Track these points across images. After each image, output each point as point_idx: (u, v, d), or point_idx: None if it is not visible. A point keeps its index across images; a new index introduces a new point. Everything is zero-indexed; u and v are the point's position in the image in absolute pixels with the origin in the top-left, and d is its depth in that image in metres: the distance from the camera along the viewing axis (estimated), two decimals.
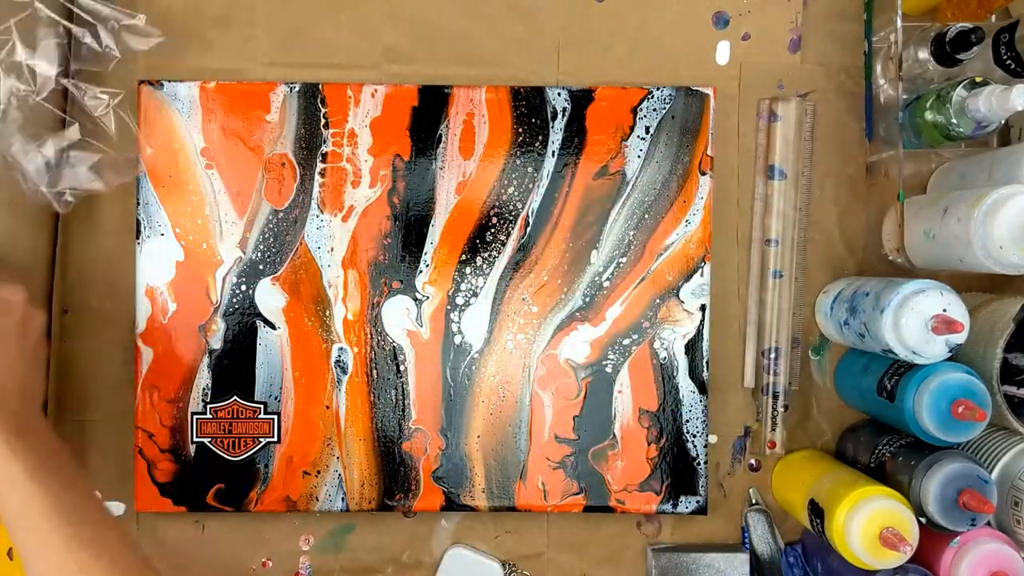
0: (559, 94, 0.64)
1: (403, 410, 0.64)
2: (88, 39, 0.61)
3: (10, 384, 0.51)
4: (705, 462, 0.65)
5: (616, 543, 0.67)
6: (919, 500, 0.56)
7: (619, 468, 0.64)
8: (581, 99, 0.64)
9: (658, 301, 0.64)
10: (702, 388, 0.65)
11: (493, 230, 0.64)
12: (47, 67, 0.59)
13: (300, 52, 0.66)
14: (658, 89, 0.64)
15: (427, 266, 0.64)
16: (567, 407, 0.64)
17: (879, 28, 0.65)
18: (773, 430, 0.66)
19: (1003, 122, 0.58)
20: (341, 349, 0.64)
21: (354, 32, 0.66)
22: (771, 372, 0.66)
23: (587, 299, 0.64)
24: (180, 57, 0.65)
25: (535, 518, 0.67)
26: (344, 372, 0.64)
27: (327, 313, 0.64)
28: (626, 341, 0.64)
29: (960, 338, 0.55)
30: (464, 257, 0.64)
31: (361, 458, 0.64)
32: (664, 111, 0.64)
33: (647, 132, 0.64)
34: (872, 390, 0.60)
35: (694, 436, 0.65)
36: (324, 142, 0.63)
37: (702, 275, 0.64)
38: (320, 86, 0.63)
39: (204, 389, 0.63)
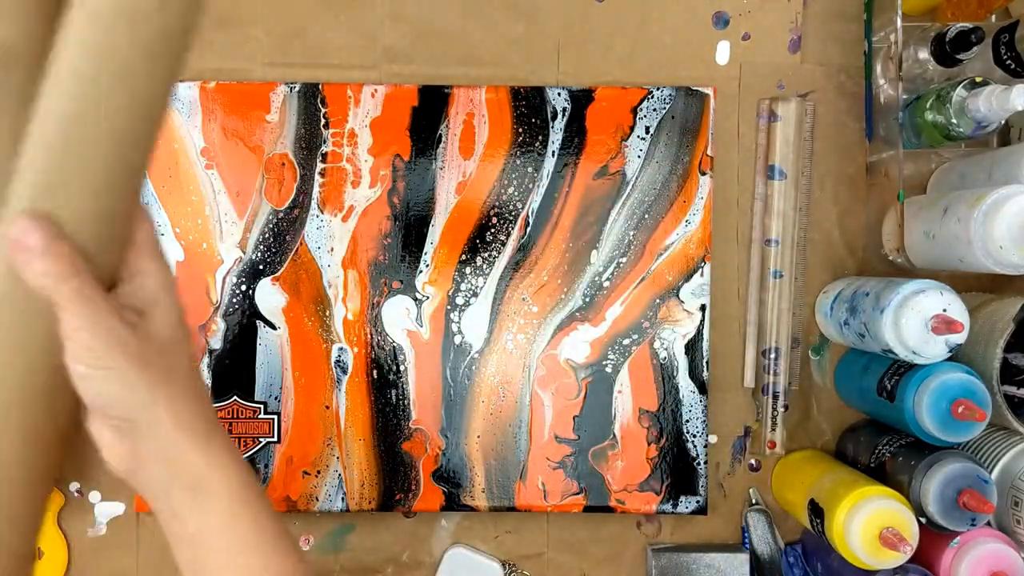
0: (559, 94, 0.64)
1: (403, 410, 0.64)
2: None
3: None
4: (705, 462, 0.65)
5: (616, 543, 0.67)
6: (919, 500, 0.56)
7: (619, 468, 0.64)
8: (581, 99, 0.64)
9: (658, 301, 0.64)
10: (702, 388, 0.65)
11: (493, 230, 0.64)
12: None
13: (300, 52, 0.66)
14: (658, 89, 0.64)
15: (427, 266, 0.64)
16: (567, 407, 0.64)
17: (879, 28, 0.65)
18: (773, 430, 0.66)
19: (1003, 122, 0.58)
20: (341, 349, 0.64)
21: (354, 32, 0.66)
22: (771, 372, 0.66)
23: (587, 299, 0.64)
24: None
25: (535, 518, 0.67)
26: (344, 372, 0.64)
27: (327, 313, 0.64)
28: (626, 341, 0.64)
29: (960, 338, 0.55)
30: (464, 257, 0.64)
31: (361, 458, 0.64)
32: (664, 111, 0.64)
33: (647, 132, 0.64)
34: (872, 390, 0.60)
35: (694, 436, 0.65)
36: (324, 142, 0.63)
37: (702, 275, 0.64)
38: (320, 86, 0.63)
39: None
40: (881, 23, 0.65)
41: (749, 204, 0.67)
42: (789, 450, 0.67)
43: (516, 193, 0.64)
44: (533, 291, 0.64)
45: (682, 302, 0.64)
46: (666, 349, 0.64)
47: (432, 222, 0.64)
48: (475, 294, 0.64)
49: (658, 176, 0.64)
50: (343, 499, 0.64)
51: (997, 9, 0.62)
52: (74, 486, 0.66)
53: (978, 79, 0.58)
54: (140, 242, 0.34)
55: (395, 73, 0.66)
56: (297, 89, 0.63)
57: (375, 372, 0.64)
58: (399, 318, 0.64)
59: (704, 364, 0.65)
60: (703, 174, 0.64)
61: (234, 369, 0.63)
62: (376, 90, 0.64)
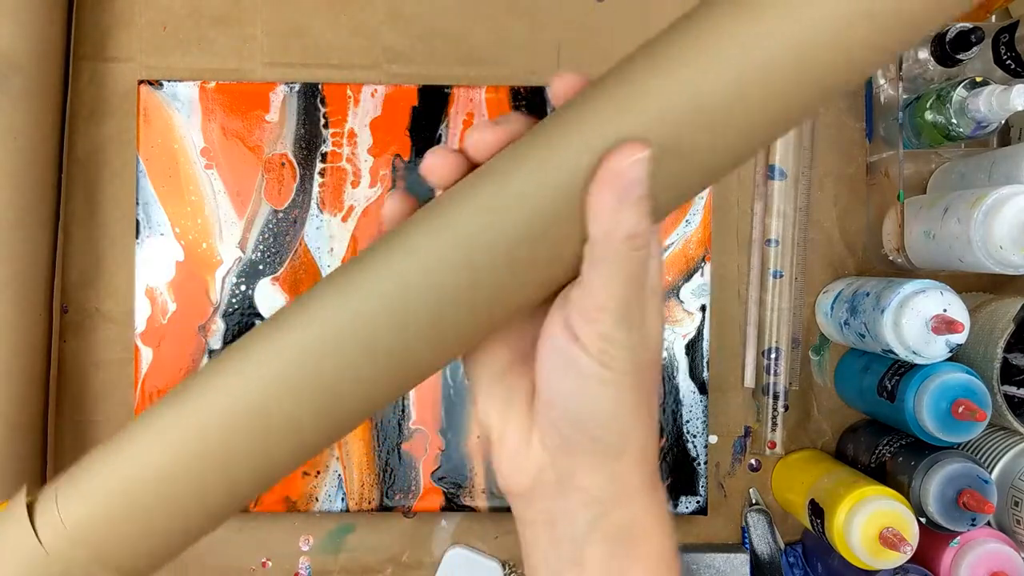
0: None
1: (403, 410, 0.64)
2: None
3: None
4: (705, 462, 0.65)
5: None
6: (919, 500, 0.56)
7: None
8: None
9: None
10: (702, 388, 0.65)
11: None
12: None
13: (300, 52, 0.66)
14: None
15: None
16: None
17: None
18: (773, 430, 0.66)
19: (1003, 122, 0.58)
20: None
21: (354, 32, 0.66)
22: (771, 372, 0.66)
23: None
24: (180, 57, 0.65)
25: None
26: None
27: None
28: None
29: (960, 338, 0.55)
30: None
31: (361, 458, 0.64)
32: None
33: None
34: (872, 390, 0.60)
35: (694, 436, 0.65)
36: (324, 142, 0.63)
37: (702, 275, 0.64)
38: (320, 86, 0.63)
39: None
40: None
41: (749, 204, 0.67)
42: (789, 450, 0.67)
43: None
44: None
45: (682, 302, 0.64)
46: (666, 349, 0.64)
47: None
48: None
49: None
50: (343, 499, 0.64)
51: (997, 9, 0.62)
52: None
53: (978, 79, 0.58)
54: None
55: (395, 73, 0.66)
56: (297, 89, 0.63)
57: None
58: None
59: (704, 364, 0.65)
60: None
61: None
62: (376, 90, 0.64)
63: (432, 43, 0.66)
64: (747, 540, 0.67)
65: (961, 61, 0.60)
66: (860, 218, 0.67)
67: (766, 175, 0.66)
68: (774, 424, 0.66)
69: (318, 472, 0.64)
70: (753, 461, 0.68)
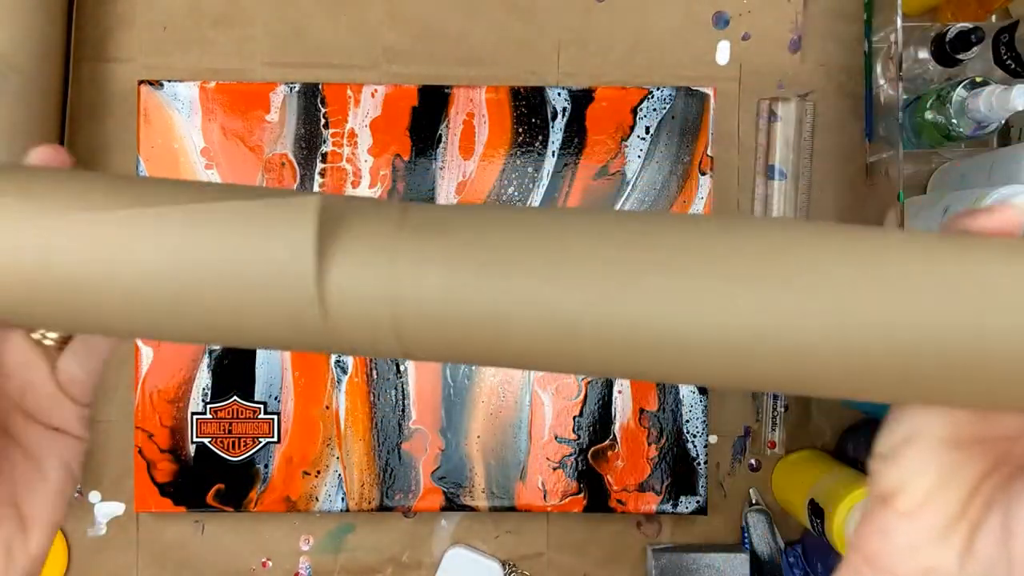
0: (559, 94, 0.64)
1: (403, 410, 0.64)
2: None
3: None
4: (705, 462, 0.65)
5: (616, 543, 0.67)
6: None
7: (619, 468, 0.64)
8: (581, 99, 0.64)
9: None
10: (702, 388, 0.65)
11: None
12: None
13: (300, 52, 0.66)
14: (658, 89, 0.64)
15: None
16: (567, 407, 0.64)
17: (879, 28, 0.65)
18: (773, 430, 0.66)
19: (1003, 122, 0.58)
20: None
21: (354, 32, 0.66)
22: None
23: None
24: (180, 57, 0.65)
25: (535, 518, 0.67)
26: (344, 372, 0.64)
27: None
28: None
29: None
30: None
31: (361, 458, 0.64)
32: (664, 111, 0.64)
33: (647, 132, 0.64)
34: None
35: (694, 436, 0.65)
36: (324, 142, 0.63)
37: None
38: (320, 86, 0.63)
39: (204, 389, 0.63)
40: (881, 23, 0.65)
41: (749, 204, 0.67)
42: (789, 450, 0.67)
43: (516, 193, 0.64)
44: None
45: None
46: None
47: None
48: None
49: (658, 176, 0.64)
50: (343, 499, 0.64)
51: (997, 9, 0.62)
52: None
53: (978, 79, 0.58)
54: None
55: (395, 73, 0.66)
56: (297, 89, 0.63)
57: (375, 372, 0.64)
58: None
59: None
60: (703, 174, 0.64)
61: (234, 369, 0.63)
62: (376, 90, 0.64)
63: (432, 43, 0.66)
64: (747, 540, 0.67)
65: (961, 61, 0.60)
66: (860, 218, 0.67)
67: (766, 175, 0.66)
68: (774, 424, 0.66)
69: (318, 472, 0.64)
70: (753, 461, 0.68)
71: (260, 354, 0.63)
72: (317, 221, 0.22)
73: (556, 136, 0.64)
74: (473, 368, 0.64)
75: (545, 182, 0.64)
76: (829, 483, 0.59)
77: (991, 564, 0.23)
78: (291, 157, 0.63)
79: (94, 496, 0.66)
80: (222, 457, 0.63)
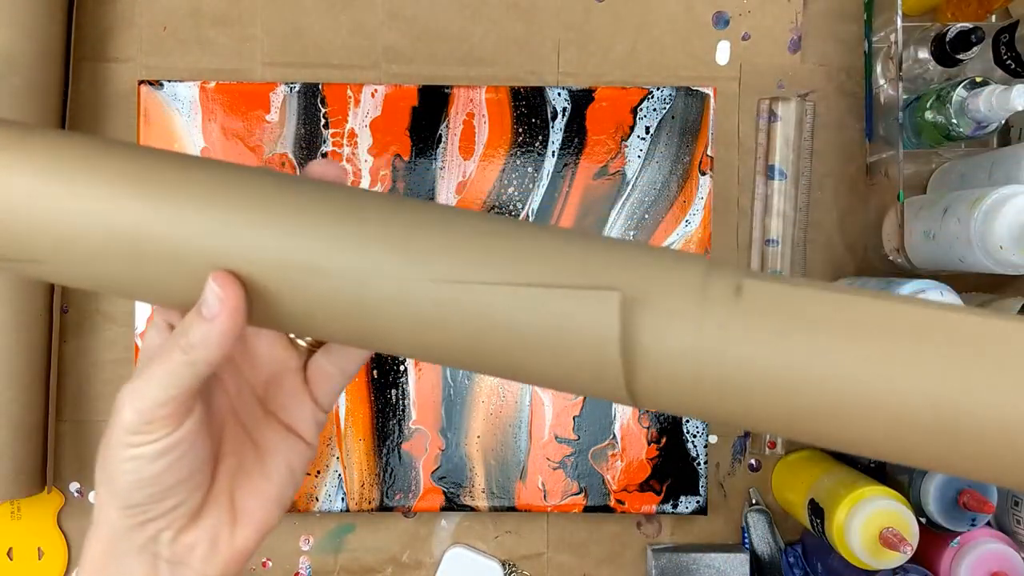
0: (559, 94, 0.64)
1: (403, 410, 0.64)
2: None
3: None
4: (705, 462, 0.65)
5: (616, 543, 0.67)
6: (919, 500, 0.56)
7: (619, 468, 0.64)
8: (581, 99, 0.64)
9: None
10: None
11: None
12: None
13: (300, 52, 0.66)
14: (658, 89, 0.64)
15: None
16: (567, 407, 0.64)
17: (879, 28, 0.65)
18: None
19: (1003, 122, 0.58)
20: None
21: (354, 32, 0.66)
22: None
23: None
24: (180, 57, 0.65)
25: (535, 518, 0.67)
26: None
27: None
28: None
29: None
30: None
31: (361, 458, 0.64)
32: (664, 111, 0.64)
33: (647, 132, 0.64)
34: None
35: (694, 436, 0.65)
36: (324, 142, 0.63)
37: None
38: (320, 86, 0.63)
39: None
40: (881, 23, 0.65)
41: (749, 204, 0.67)
42: (789, 450, 0.67)
43: (516, 193, 0.64)
44: None
45: None
46: None
47: None
48: None
49: (658, 176, 0.64)
50: (343, 499, 0.64)
51: (997, 9, 0.62)
52: (74, 486, 0.66)
53: (978, 79, 0.58)
54: None
55: (395, 73, 0.66)
56: (297, 89, 0.63)
57: (375, 372, 0.64)
58: None
59: None
60: (703, 174, 0.64)
61: None
62: (376, 90, 0.64)
63: (432, 43, 0.66)
64: (747, 540, 0.67)
65: (961, 61, 0.60)
66: (860, 218, 0.67)
67: (766, 175, 0.66)
68: None
69: (318, 472, 0.64)
70: (753, 461, 0.68)
71: None
72: (620, 319, 0.23)
73: (556, 136, 0.64)
74: None
75: (545, 182, 0.64)
76: (829, 483, 0.59)
77: None
78: (291, 157, 0.63)
79: (94, 496, 0.66)
80: None
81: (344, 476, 0.64)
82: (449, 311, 0.25)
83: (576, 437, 0.64)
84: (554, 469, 0.64)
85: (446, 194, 0.64)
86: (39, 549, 0.65)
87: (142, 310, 0.63)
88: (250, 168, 0.28)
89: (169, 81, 0.63)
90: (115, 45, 0.65)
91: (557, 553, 0.67)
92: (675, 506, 0.65)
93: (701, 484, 0.65)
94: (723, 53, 0.67)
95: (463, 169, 0.64)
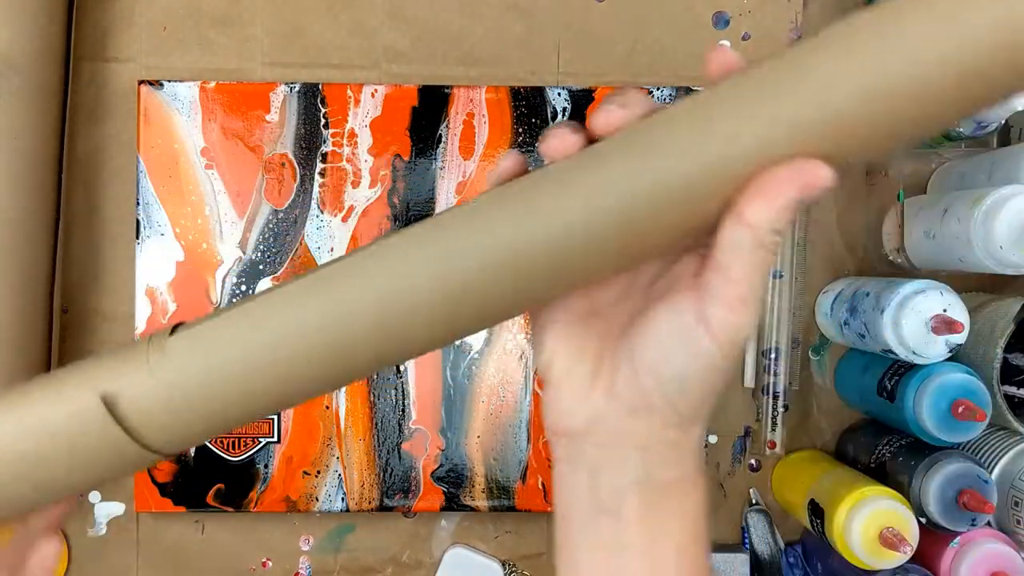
0: (559, 94, 0.64)
1: (403, 410, 0.64)
2: None
3: None
4: (705, 462, 0.65)
5: None
6: (919, 500, 0.56)
7: None
8: (581, 99, 0.64)
9: None
10: None
11: None
12: None
13: (300, 52, 0.66)
14: (658, 89, 0.64)
15: None
16: None
17: None
18: (773, 430, 0.66)
19: (1003, 122, 0.58)
20: None
21: (354, 32, 0.66)
22: (771, 372, 0.66)
23: None
24: (180, 57, 0.65)
25: (535, 518, 0.67)
26: None
27: None
28: None
29: (960, 338, 0.55)
30: None
31: (361, 458, 0.64)
32: None
33: None
34: (872, 390, 0.60)
35: None
36: (324, 142, 0.63)
37: None
38: (320, 86, 0.63)
39: None
40: None
41: None
42: (789, 450, 0.67)
43: None
44: None
45: None
46: None
47: None
48: None
49: None
50: (343, 499, 0.64)
51: None
52: None
53: None
54: None
55: (395, 73, 0.66)
56: (297, 89, 0.63)
57: (375, 372, 0.64)
58: None
59: None
60: None
61: None
62: (376, 90, 0.64)
63: (432, 43, 0.66)
64: (747, 540, 0.67)
65: None
66: (860, 218, 0.67)
67: None
68: (774, 424, 0.66)
69: (318, 472, 0.64)
70: (753, 461, 0.68)
71: None
72: (105, 410, 0.29)
73: None
74: (473, 368, 0.64)
75: None
76: (829, 483, 0.59)
77: (631, 397, 0.29)
78: (291, 157, 0.63)
79: (94, 496, 0.66)
80: (222, 457, 0.63)
81: (344, 476, 0.64)
82: None
83: None
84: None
85: (446, 194, 0.64)
86: None
87: (142, 311, 0.63)
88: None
89: (169, 81, 0.63)
90: (115, 45, 0.65)
91: None
92: None
93: None
94: None
95: (463, 169, 0.64)
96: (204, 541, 0.66)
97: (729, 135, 0.25)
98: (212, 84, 0.63)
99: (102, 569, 0.66)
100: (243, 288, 0.63)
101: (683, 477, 0.30)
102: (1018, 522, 0.58)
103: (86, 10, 0.65)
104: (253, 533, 0.66)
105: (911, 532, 0.54)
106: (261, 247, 0.63)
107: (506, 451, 0.64)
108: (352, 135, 0.63)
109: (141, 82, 0.63)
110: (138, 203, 0.63)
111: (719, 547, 0.66)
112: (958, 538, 0.56)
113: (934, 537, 0.56)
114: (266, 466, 0.64)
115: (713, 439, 0.67)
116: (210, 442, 0.63)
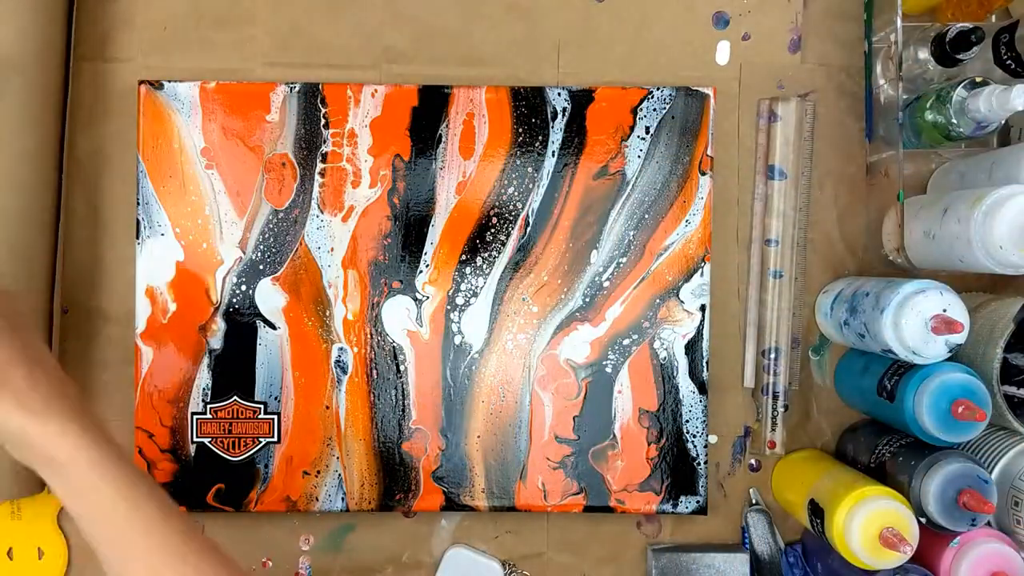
0: (559, 94, 0.64)
1: (403, 410, 0.64)
2: None
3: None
4: (705, 462, 0.65)
5: (616, 543, 0.67)
6: (919, 500, 0.56)
7: (619, 468, 0.64)
8: (581, 99, 0.64)
9: (658, 301, 0.64)
10: (702, 388, 0.65)
11: (493, 230, 0.64)
12: None
13: (300, 52, 0.66)
14: (658, 89, 0.64)
15: (427, 266, 0.64)
16: (567, 407, 0.64)
17: (879, 28, 0.65)
18: (773, 430, 0.66)
19: (1003, 122, 0.58)
20: (341, 349, 0.64)
21: (354, 32, 0.66)
22: (771, 372, 0.66)
23: (587, 299, 0.64)
24: (180, 57, 0.65)
25: (535, 518, 0.67)
26: (344, 372, 0.64)
27: (327, 313, 0.64)
28: (626, 341, 0.64)
29: (960, 338, 0.55)
30: (464, 257, 0.64)
31: (361, 458, 0.64)
32: (664, 111, 0.64)
33: (647, 132, 0.64)
34: (872, 390, 0.60)
35: (694, 436, 0.65)
36: (324, 142, 0.63)
37: (702, 275, 0.64)
38: (320, 86, 0.63)
39: (204, 389, 0.63)
40: (881, 23, 0.65)
41: (749, 204, 0.67)
42: (789, 450, 0.67)
43: (516, 193, 0.64)
44: (533, 291, 0.64)
45: (682, 302, 0.64)
46: (666, 349, 0.64)
47: (432, 222, 0.64)
48: (475, 294, 0.64)
49: (658, 176, 0.64)
50: (343, 499, 0.64)
51: (997, 9, 0.62)
52: None
53: (978, 79, 0.58)
54: None
55: (395, 73, 0.66)
56: (297, 89, 0.63)
57: (375, 372, 0.64)
58: (399, 318, 0.64)
59: (704, 364, 0.65)
60: (703, 174, 0.64)
61: (234, 369, 0.63)
62: (376, 90, 0.64)
63: (432, 43, 0.66)
64: (747, 540, 0.67)
65: (961, 61, 0.60)
66: (860, 218, 0.67)
67: (766, 175, 0.66)
68: (774, 424, 0.66)
69: (318, 472, 0.64)
70: (753, 461, 0.68)
71: (260, 354, 0.63)
72: None
73: (556, 136, 0.64)
74: (473, 368, 0.64)
75: (545, 182, 0.64)
76: (829, 483, 0.59)
77: None
78: (291, 157, 0.63)
79: None
80: (222, 457, 0.63)
81: (344, 476, 0.64)
82: None
83: (576, 437, 0.64)
84: (554, 469, 0.64)
85: (446, 194, 0.64)
86: (39, 549, 0.65)
87: (142, 311, 0.63)
88: None
89: (169, 81, 0.63)
90: (115, 45, 0.65)
91: (557, 553, 0.67)
92: (675, 506, 0.65)
93: (701, 484, 0.65)
94: (723, 53, 0.67)
95: (463, 169, 0.64)
96: None
97: None
98: (212, 84, 0.63)
99: (102, 569, 0.66)
100: (243, 288, 0.63)
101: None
102: (1018, 522, 0.58)
103: (86, 10, 0.65)
104: (253, 533, 0.66)
105: (911, 532, 0.54)
106: (261, 247, 0.63)
107: (506, 451, 0.64)
108: (352, 135, 0.63)
109: (141, 82, 0.63)
110: (138, 203, 0.63)
111: (719, 547, 0.66)
112: (958, 538, 0.56)
113: (934, 537, 0.56)
114: (266, 466, 0.64)
115: (713, 439, 0.67)
116: (210, 442, 0.63)
